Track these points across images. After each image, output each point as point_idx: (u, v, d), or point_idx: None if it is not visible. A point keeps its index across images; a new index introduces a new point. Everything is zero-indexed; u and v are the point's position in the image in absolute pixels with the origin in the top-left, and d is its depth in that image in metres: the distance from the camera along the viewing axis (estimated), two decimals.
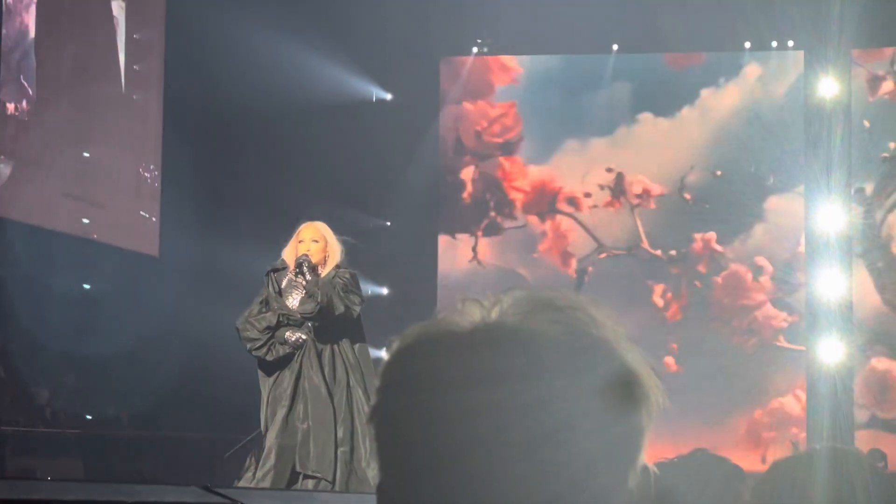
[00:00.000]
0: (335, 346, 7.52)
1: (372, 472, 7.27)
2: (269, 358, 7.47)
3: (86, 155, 13.03)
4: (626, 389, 1.12)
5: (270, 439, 7.35)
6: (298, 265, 7.46)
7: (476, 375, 1.07)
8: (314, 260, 7.48)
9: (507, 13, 14.35)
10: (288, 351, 7.46)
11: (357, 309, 7.48)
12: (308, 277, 7.43)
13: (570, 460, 1.07)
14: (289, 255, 7.60)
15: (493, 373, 1.07)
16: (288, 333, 7.48)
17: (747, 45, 14.37)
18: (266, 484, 7.20)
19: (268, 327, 7.46)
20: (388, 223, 15.01)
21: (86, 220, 13.05)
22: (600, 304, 1.14)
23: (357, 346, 7.59)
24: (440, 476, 1.07)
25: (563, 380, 1.08)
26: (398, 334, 1.14)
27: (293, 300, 7.53)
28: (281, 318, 7.48)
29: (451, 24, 14.65)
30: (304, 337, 7.46)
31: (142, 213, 13.85)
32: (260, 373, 7.61)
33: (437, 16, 14.39)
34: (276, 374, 7.52)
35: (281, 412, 7.36)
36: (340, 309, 7.39)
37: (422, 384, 1.09)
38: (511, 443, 1.06)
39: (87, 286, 12.81)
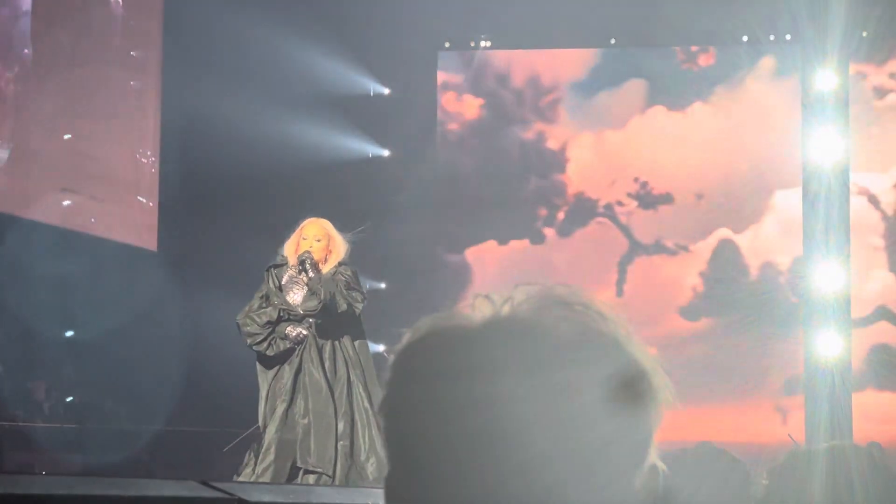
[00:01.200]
0: (336, 342, 7.53)
1: (371, 466, 7.28)
2: (269, 353, 7.47)
3: (81, 145, 13.01)
4: (634, 386, 1.13)
5: (270, 434, 7.35)
6: (301, 262, 7.46)
7: (486, 369, 1.09)
8: (316, 258, 7.48)
9: (508, 6, 14.35)
10: (289, 346, 7.47)
11: (359, 306, 7.49)
12: (311, 275, 7.43)
13: (576, 452, 1.08)
14: (290, 250, 7.59)
15: (502, 366, 1.09)
16: (289, 328, 7.48)
17: (744, 38, 14.39)
18: (266, 479, 7.20)
19: (269, 322, 7.47)
20: (379, 222, 15.01)
21: (82, 214, 13.04)
22: (610, 303, 1.15)
23: (357, 342, 7.60)
24: (447, 467, 1.08)
25: (571, 374, 1.09)
26: (407, 327, 1.15)
27: (294, 296, 7.53)
28: (282, 313, 7.49)
29: (450, 17, 14.63)
30: (304, 332, 7.47)
31: (139, 198, 13.84)
32: (259, 367, 7.61)
33: (434, 8, 14.36)
34: (275, 369, 7.53)
35: (281, 407, 7.36)
36: (343, 306, 7.40)
37: (432, 377, 1.10)
38: (519, 434, 1.07)
39: (69, 333, 12.69)
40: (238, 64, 14.01)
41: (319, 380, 7.39)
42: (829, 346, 13.79)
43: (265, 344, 7.48)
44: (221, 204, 13.91)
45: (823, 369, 13.63)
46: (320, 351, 7.50)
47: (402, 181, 14.80)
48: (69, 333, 12.62)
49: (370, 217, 14.64)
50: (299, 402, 7.38)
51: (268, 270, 7.69)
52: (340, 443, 7.35)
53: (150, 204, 13.90)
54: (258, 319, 7.48)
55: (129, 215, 13.78)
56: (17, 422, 11.78)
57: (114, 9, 13.60)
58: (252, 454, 7.55)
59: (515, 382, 1.08)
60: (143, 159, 13.90)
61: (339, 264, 7.53)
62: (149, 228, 13.86)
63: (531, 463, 1.07)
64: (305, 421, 7.34)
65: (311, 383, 7.39)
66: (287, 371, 7.46)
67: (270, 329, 7.48)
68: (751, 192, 14.55)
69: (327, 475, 7.26)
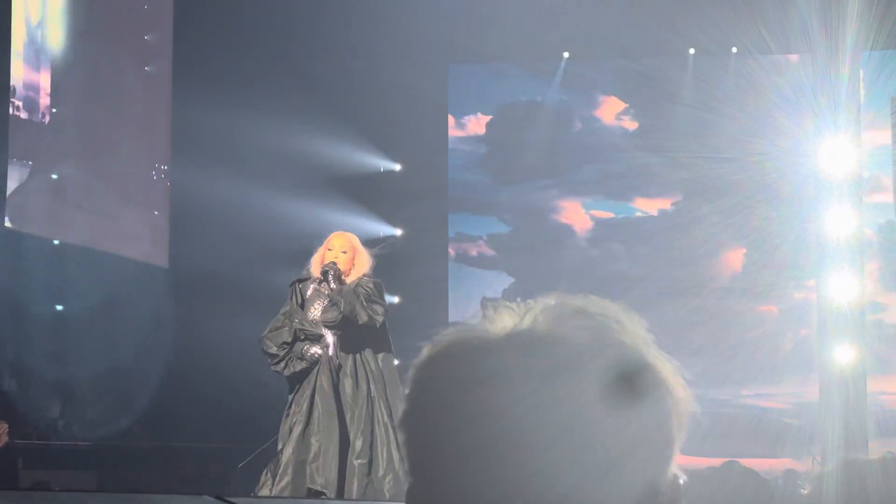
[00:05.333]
0: (357, 356, 7.51)
1: (388, 484, 7.26)
2: (286, 373, 7.48)
3: (96, 162, 13.06)
4: (655, 396, 1.12)
5: (287, 455, 7.35)
6: (324, 272, 7.47)
7: (506, 379, 1.09)
8: (341, 269, 7.48)
9: (519, 20, 14.34)
10: (305, 366, 7.45)
11: (380, 318, 7.48)
12: (333, 285, 7.43)
13: (596, 460, 1.08)
14: (316, 263, 7.61)
15: (522, 376, 1.09)
16: (305, 348, 7.47)
17: (749, 46, 14.40)
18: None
19: (284, 343, 7.46)
20: (399, 232, 15.02)
21: (96, 231, 13.07)
22: (631, 311, 1.15)
23: (381, 355, 7.58)
24: (468, 478, 1.08)
25: (591, 383, 1.09)
26: (424, 341, 1.15)
27: (315, 311, 7.52)
28: (297, 333, 7.47)
29: (461, 31, 14.63)
30: (318, 352, 7.45)
31: (154, 212, 13.88)
32: (288, 386, 7.64)
33: (445, 22, 14.37)
34: (296, 388, 7.53)
35: (297, 428, 7.36)
36: (364, 318, 7.38)
37: (453, 388, 1.10)
38: (539, 443, 1.07)
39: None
40: (249, 76, 14.04)
41: (330, 399, 7.38)
42: (844, 354, 13.76)
43: (282, 364, 7.48)
44: (233, 219, 13.92)
45: (839, 378, 13.60)
46: (338, 369, 7.49)
47: (417, 193, 14.79)
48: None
49: (381, 227, 14.73)
50: (314, 422, 7.38)
51: (292, 285, 7.69)
52: (358, 461, 7.33)
53: (162, 220, 13.94)
54: (275, 341, 7.49)
55: (141, 232, 13.82)
56: (32, 439, 11.80)
57: (127, 23, 13.68)
58: (269, 474, 7.53)
59: (535, 392, 1.08)
60: (155, 174, 13.95)
61: (362, 278, 7.53)
62: (160, 245, 13.89)
63: (551, 471, 1.07)
64: (316, 441, 7.33)
65: (322, 403, 7.38)
66: (306, 390, 7.46)
67: (287, 349, 7.47)
68: (767, 200, 14.57)
69: (330, 498, 7.24)
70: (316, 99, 14.15)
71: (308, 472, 7.29)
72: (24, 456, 11.20)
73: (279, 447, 7.49)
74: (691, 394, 1.16)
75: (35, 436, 11.95)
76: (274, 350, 7.46)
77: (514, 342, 1.11)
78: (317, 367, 7.45)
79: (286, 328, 7.50)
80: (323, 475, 7.27)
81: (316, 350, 7.45)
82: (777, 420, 13.92)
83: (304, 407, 7.38)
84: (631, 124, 15.26)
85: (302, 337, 7.48)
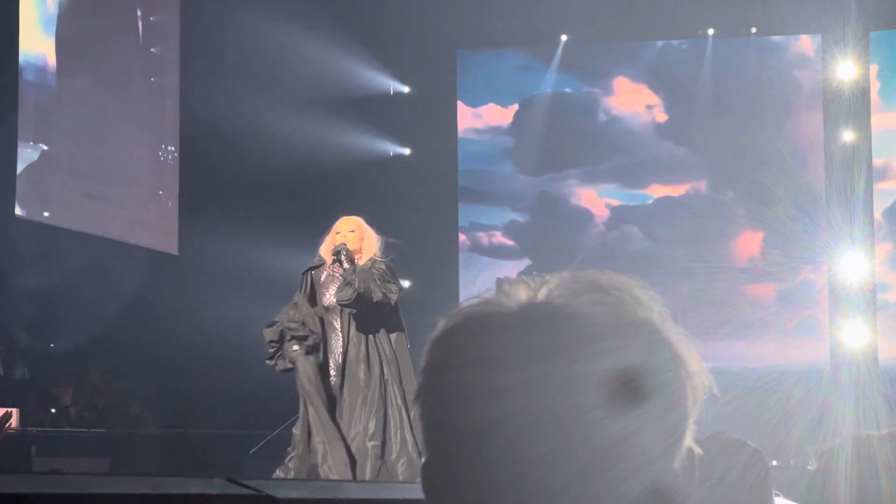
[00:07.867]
0: (371, 338, 7.50)
1: (402, 466, 7.27)
2: (277, 369, 7.47)
3: (104, 147, 13.06)
4: (670, 370, 1.12)
5: (297, 463, 7.37)
6: (336, 254, 7.47)
7: (523, 355, 1.08)
8: (350, 248, 7.49)
9: (527, 4, 14.33)
10: (288, 366, 7.44)
11: (394, 297, 7.49)
12: (346, 266, 7.43)
13: (611, 436, 1.07)
14: (326, 249, 7.60)
15: (539, 352, 1.08)
16: (292, 349, 7.43)
17: (764, 29, 14.37)
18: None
19: (272, 341, 7.44)
20: (410, 217, 15.02)
21: (104, 219, 13.08)
22: (646, 286, 1.14)
23: (394, 335, 7.58)
24: (483, 453, 1.07)
25: (606, 359, 1.08)
26: (444, 315, 1.14)
27: (331, 295, 7.51)
28: (284, 333, 7.45)
29: (469, 16, 14.62)
30: (296, 348, 7.39)
31: (160, 192, 13.87)
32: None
33: (454, 7, 14.35)
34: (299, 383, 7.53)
35: (302, 435, 7.38)
36: (378, 296, 7.38)
37: (470, 363, 1.09)
38: (554, 420, 1.06)
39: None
40: (256, 62, 14.02)
41: (317, 395, 7.33)
42: (856, 332, 13.79)
43: (272, 361, 7.48)
44: (242, 204, 13.93)
45: (850, 356, 13.63)
46: (343, 355, 7.48)
47: (423, 180, 14.78)
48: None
49: (392, 214, 14.73)
50: (314, 424, 7.33)
51: (304, 274, 7.67)
52: (371, 443, 7.33)
53: (170, 204, 13.93)
54: (266, 337, 7.47)
55: (150, 219, 13.82)
56: (45, 427, 11.83)
57: (133, 7, 13.67)
58: (282, 474, 7.51)
59: (550, 368, 1.07)
60: (163, 155, 13.94)
61: (375, 259, 7.53)
62: (170, 232, 13.89)
63: (564, 448, 1.06)
64: (320, 443, 7.32)
65: (312, 404, 7.33)
66: (300, 394, 7.44)
67: (277, 347, 7.45)
68: (778, 180, 14.54)
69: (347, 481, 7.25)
70: (324, 86, 14.15)
71: (322, 473, 7.30)
72: (38, 443, 11.23)
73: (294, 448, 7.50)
74: (706, 368, 1.16)
75: (48, 423, 11.99)
76: (267, 344, 7.47)
77: (528, 317, 1.10)
78: (300, 370, 7.40)
79: (272, 328, 7.48)
80: (336, 472, 7.27)
81: (295, 348, 7.39)
82: (787, 398, 13.90)
83: (301, 412, 7.40)
84: (660, 114, 15.23)
85: (289, 337, 7.45)
